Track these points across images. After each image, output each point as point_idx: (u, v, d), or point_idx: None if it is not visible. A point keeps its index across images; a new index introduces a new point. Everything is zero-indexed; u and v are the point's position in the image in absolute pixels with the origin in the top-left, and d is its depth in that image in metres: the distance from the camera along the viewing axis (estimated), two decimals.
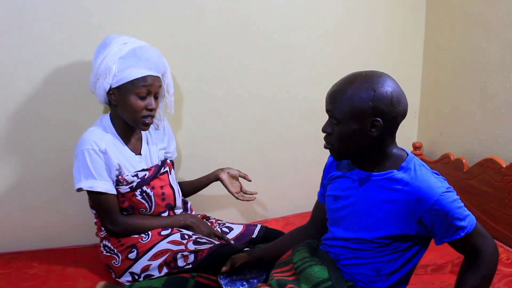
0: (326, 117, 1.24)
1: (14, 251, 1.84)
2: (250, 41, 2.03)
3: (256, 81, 2.09)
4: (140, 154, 1.67)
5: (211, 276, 1.40)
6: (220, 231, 1.74)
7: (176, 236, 1.59)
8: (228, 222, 1.83)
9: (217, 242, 1.59)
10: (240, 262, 1.38)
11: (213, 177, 1.85)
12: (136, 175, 1.60)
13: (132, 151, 1.64)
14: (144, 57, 1.53)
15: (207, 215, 1.86)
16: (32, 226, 1.90)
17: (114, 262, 1.59)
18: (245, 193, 1.85)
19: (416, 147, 2.27)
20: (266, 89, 2.11)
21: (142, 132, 1.70)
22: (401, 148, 1.25)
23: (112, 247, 1.61)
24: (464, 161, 1.96)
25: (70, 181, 1.58)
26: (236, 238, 1.73)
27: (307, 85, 2.16)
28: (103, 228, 1.63)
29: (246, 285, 1.34)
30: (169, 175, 1.72)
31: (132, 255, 1.56)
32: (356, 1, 2.15)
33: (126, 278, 1.58)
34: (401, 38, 2.28)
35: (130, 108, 1.54)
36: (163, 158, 1.74)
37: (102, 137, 1.56)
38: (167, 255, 1.54)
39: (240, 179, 1.87)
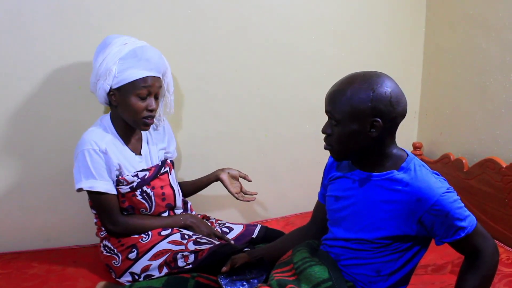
0: (326, 117, 1.24)
1: (14, 251, 1.84)
2: (250, 41, 2.03)
3: (256, 81, 2.09)
4: (140, 154, 1.67)
5: (211, 276, 1.40)
6: (220, 231, 1.74)
7: (176, 236, 1.59)
8: (228, 222, 1.83)
9: (217, 242, 1.59)
10: (240, 262, 1.38)
11: (213, 177, 1.85)
12: (136, 175, 1.60)
13: (132, 151, 1.64)
14: (145, 58, 1.53)
15: (207, 215, 1.86)
16: (32, 226, 1.90)
17: (114, 262, 1.59)
18: (245, 193, 1.85)
19: (416, 147, 2.27)
20: (266, 89, 2.11)
21: (142, 132, 1.69)
22: (401, 148, 1.25)
23: (112, 247, 1.61)
24: (464, 161, 1.96)
25: (70, 181, 1.58)
26: (236, 238, 1.73)
27: (307, 85, 2.16)
28: (103, 228, 1.62)
29: (246, 285, 1.34)
30: (169, 175, 1.71)
31: (132, 255, 1.56)
32: (356, 1, 2.15)
33: (126, 278, 1.58)
34: (401, 38, 2.28)
35: (131, 109, 1.54)
36: (163, 158, 1.74)
37: (102, 137, 1.56)
38: (167, 255, 1.54)
39: (240, 179, 1.87)
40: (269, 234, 1.75)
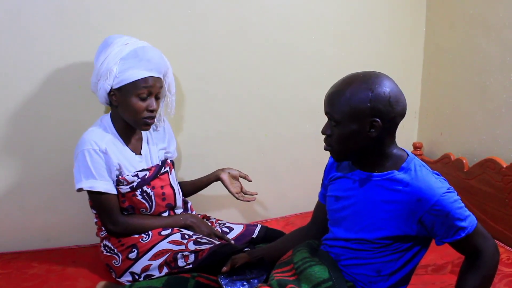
0: (326, 117, 1.24)
1: (14, 251, 1.84)
2: (250, 41, 2.03)
3: (256, 81, 2.09)
4: (140, 154, 1.67)
5: (212, 276, 1.40)
6: (220, 231, 1.74)
7: (177, 236, 1.59)
8: (228, 222, 1.83)
9: (217, 242, 1.59)
10: (241, 262, 1.38)
11: (214, 177, 1.85)
12: (137, 175, 1.60)
13: (132, 151, 1.64)
14: (146, 58, 1.53)
15: (208, 215, 1.86)
16: (32, 226, 1.90)
17: (114, 262, 1.59)
18: (245, 193, 1.85)
19: (416, 147, 2.27)
20: (266, 89, 2.11)
21: (142, 132, 1.69)
22: (401, 148, 1.25)
23: (112, 247, 1.60)
24: (464, 161, 1.96)
25: (70, 181, 1.58)
26: (237, 238, 1.73)
27: (307, 85, 2.16)
28: (103, 228, 1.62)
29: (247, 285, 1.34)
30: (170, 175, 1.71)
31: (133, 255, 1.56)
32: (356, 1, 2.15)
33: (126, 278, 1.58)
34: (401, 38, 2.28)
35: (131, 109, 1.54)
36: (163, 158, 1.74)
37: (103, 137, 1.56)
38: (168, 255, 1.54)
39: (240, 179, 1.87)
40: (269, 234, 1.75)
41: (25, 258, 1.78)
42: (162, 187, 1.66)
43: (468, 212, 1.16)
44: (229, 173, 1.84)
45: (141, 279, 1.55)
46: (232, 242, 1.68)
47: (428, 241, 1.24)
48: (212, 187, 1.88)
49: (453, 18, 2.11)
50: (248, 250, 1.54)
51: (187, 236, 1.59)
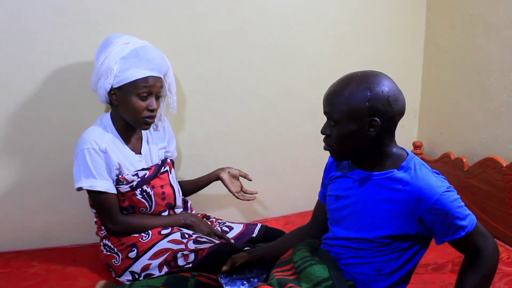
0: (326, 117, 1.24)
1: (14, 250, 1.84)
2: (250, 41, 2.03)
3: (256, 80, 2.09)
4: (140, 153, 1.67)
5: (212, 275, 1.40)
6: (220, 230, 1.74)
7: (176, 235, 1.59)
8: (228, 221, 1.83)
9: (217, 241, 1.59)
10: (241, 262, 1.39)
11: (214, 177, 1.85)
12: (136, 175, 1.60)
13: (132, 150, 1.64)
14: (146, 58, 1.53)
15: (207, 214, 1.86)
16: (32, 225, 1.90)
17: (114, 261, 1.59)
18: (245, 192, 1.85)
19: (416, 146, 2.27)
20: (266, 89, 2.11)
21: (142, 131, 1.69)
22: (401, 148, 1.25)
23: (112, 246, 1.60)
24: (464, 160, 1.96)
25: (70, 180, 1.57)
26: (236, 237, 1.73)
27: (307, 85, 2.16)
28: (103, 227, 1.62)
29: (247, 285, 1.33)
30: (169, 175, 1.71)
31: (132, 254, 1.56)
32: (356, 1, 2.15)
33: (126, 277, 1.58)
34: (401, 38, 2.28)
35: (132, 109, 1.54)
36: (163, 158, 1.74)
37: (102, 136, 1.56)
38: (167, 254, 1.54)
39: (240, 178, 1.87)
40: (269, 233, 1.75)
41: (25, 257, 1.78)
42: (162, 186, 1.66)
43: (468, 211, 1.16)
44: (229, 172, 1.84)
45: (141, 278, 1.55)
46: (232, 241, 1.68)
47: (428, 240, 1.24)
48: (212, 187, 1.88)
49: (453, 18, 2.11)
50: (248, 249, 1.54)
51: (187, 235, 1.60)
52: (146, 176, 1.62)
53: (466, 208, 1.16)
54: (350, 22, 2.17)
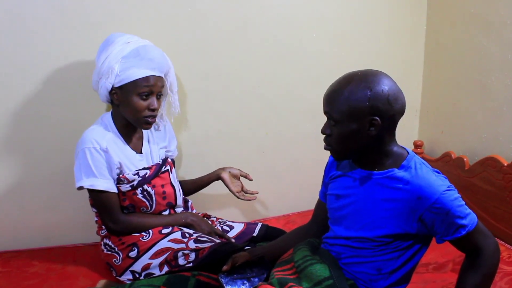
0: (326, 117, 1.23)
1: (14, 249, 1.84)
2: (250, 41, 2.02)
3: (257, 80, 2.08)
4: (141, 152, 1.67)
5: (212, 274, 1.40)
6: (220, 229, 1.74)
7: (177, 235, 1.59)
8: (228, 221, 1.83)
9: (218, 241, 1.59)
10: (241, 261, 1.39)
11: (215, 176, 1.84)
12: (137, 174, 1.60)
13: (133, 149, 1.64)
14: (147, 57, 1.53)
15: (208, 214, 1.86)
16: (32, 224, 1.90)
17: (114, 261, 1.59)
18: (246, 192, 1.84)
19: (417, 145, 2.27)
20: (267, 88, 2.11)
21: (143, 130, 1.69)
22: (402, 146, 1.25)
23: (112, 246, 1.60)
24: (465, 159, 1.96)
25: (70, 179, 1.58)
26: (237, 237, 1.73)
27: (308, 84, 2.15)
28: (103, 227, 1.62)
29: (247, 284, 1.33)
30: (170, 174, 1.71)
31: (133, 254, 1.56)
32: (356, 1, 2.14)
33: (126, 277, 1.58)
34: (402, 37, 2.27)
35: (132, 108, 1.54)
36: (164, 157, 1.74)
37: (103, 136, 1.56)
38: (168, 253, 1.54)
39: (241, 178, 1.87)
40: (269, 232, 1.75)
41: (25, 257, 1.78)
42: (162, 185, 1.66)
43: (468, 210, 1.15)
44: (230, 172, 1.84)
45: (142, 277, 1.55)
46: (233, 240, 1.68)
47: (429, 239, 1.24)
48: (213, 186, 1.88)
49: (453, 17, 2.11)
50: (248, 248, 1.54)
51: (187, 235, 1.59)
52: (147, 175, 1.62)
53: (467, 207, 1.16)
54: (351, 22, 2.17)
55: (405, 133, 2.30)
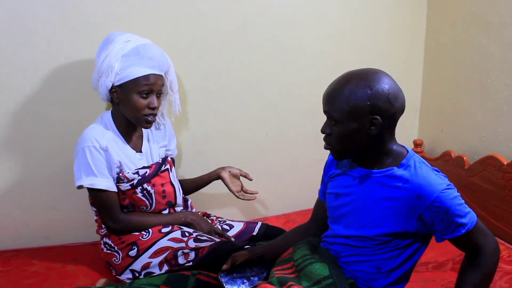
0: (325, 116, 1.23)
1: (15, 248, 1.84)
2: (250, 40, 2.02)
3: (256, 79, 2.08)
4: (141, 151, 1.67)
5: (212, 273, 1.40)
6: (220, 228, 1.74)
7: (177, 234, 1.59)
8: (228, 220, 1.83)
9: (217, 240, 1.59)
10: (241, 260, 1.39)
11: (215, 176, 1.85)
12: (137, 173, 1.60)
13: (133, 148, 1.64)
14: (147, 56, 1.53)
15: (208, 213, 1.86)
16: (32, 224, 1.90)
17: (114, 260, 1.59)
18: (246, 192, 1.85)
19: (417, 144, 2.27)
20: (267, 88, 2.11)
21: (143, 129, 1.69)
22: (401, 145, 1.25)
23: (112, 245, 1.60)
24: (465, 158, 1.96)
25: (70, 179, 1.58)
26: (237, 236, 1.73)
27: (308, 84, 2.15)
28: (103, 226, 1.62)
29: (247, 283, 1.33)
30: (170, 173, 1.71)
31: (133, 253, 1.56)
32: (356, 0, 2.14)
33: (126, 276, 1.58)
34: (402, 36, 2.27)
35: (133, 107, 1.54)
36: (163, 156, 1.74)
37: (103, 134, 1.56)
38: (168, 252, 1.54)
39: (241, 178, 1.87)
40: (269, 231, 1.75)
41: (25, 256, 1.78)
42: (162, 184, 1.66)
43: (468, 209, 1.15)
44: (230, 171, 1.84)
45: (142, 276, 1.55)
46: (232, 239, 1.68)
47: (428, 238, 1.24)
48: (213, 185, 1.88)
49: (453, 16, 2.11)
50: (248, 247, 1.54)
51: (187, 234, 1.59)
52: (146, 174, 1.62)
53: (466, 206, 1.16)
54: (351, 21, 2.17)
55: (405, 132, 2.30)
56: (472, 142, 2.05)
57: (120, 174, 1.58)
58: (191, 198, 1.86)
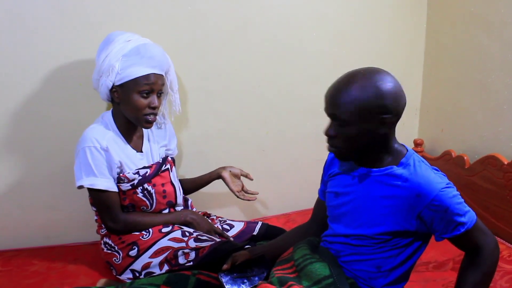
0: (326, 115, 1.22)
1: (15, 248, 1.84)
2: (250, 40, 2.03)
3: (257, 79, 2.09)
4: (141, 151, 1.67)
5: (212, 273, 1.40)
6: (220, 228, 1.74)
7: (177, 234, 1.59)
8: (229, 219, 1.83)
9: (218, 240, 1.59)
10: (241, 260, 1.39)
11: (215, 175, 1.84)
12: (137, 173, 1.60)
13: (133, 148, 1.64)
14: (147, 55, 1.53)
15: (208, 212, 1.86)
16: (32, 223, 1.90)
17: (114, 260, 1.59)
18: (246, 192, 1.84)
19: (417, 144, 2.27)
20: (267, 88, 2.11)
21: (143, 129, 1.69)
22: (401, 144, 1.24)
23: (112, 245, 1.60)
24: (465, 158, 1.96)
25: (71, 179, 1.58)
26: (237, 236, 1.73)
27: (308, 83, 2.15)
28: (103, 226, 1.62)
29: (247, 283, 1.33)
30: (170, 173, 1.71)
31: (133, 253, 1.56)
32: (357, 0, 2.14)
33: (127, 276, 1.58)
34: (402, 36, 2.27)
35: (133, 106, 1.54)
36: (164, 156, 1.74)
37: (104, 135, 1.56)
38: (168, 252, 1.54)
39: (241, 178, 1.87)
40: (270, 231, 1.75)
41: (26, 256, 1.78)
42: (163, 184, 1.66)
43: (467, 208, 1.15)
44: (230, 171, 1.84)
45: (142, 276, 1.55)
46: (233, 239, 1.68)
47: (428, 237, 1.24)
48: (213, 185, 1.88)
49: (454, 16, 2.11)
50: (248, 247, 1.53)
51: (187, 234, 1.59)
52: (147, 174, 1.62)
53: (466, 205, 1.16)
54: (351, 21, 2.17)
55: (405, 132, 2.30)
56: (472, 142, 2.05)
57: (121, 174, 1.58)
58: (191, 197, 1.86)
